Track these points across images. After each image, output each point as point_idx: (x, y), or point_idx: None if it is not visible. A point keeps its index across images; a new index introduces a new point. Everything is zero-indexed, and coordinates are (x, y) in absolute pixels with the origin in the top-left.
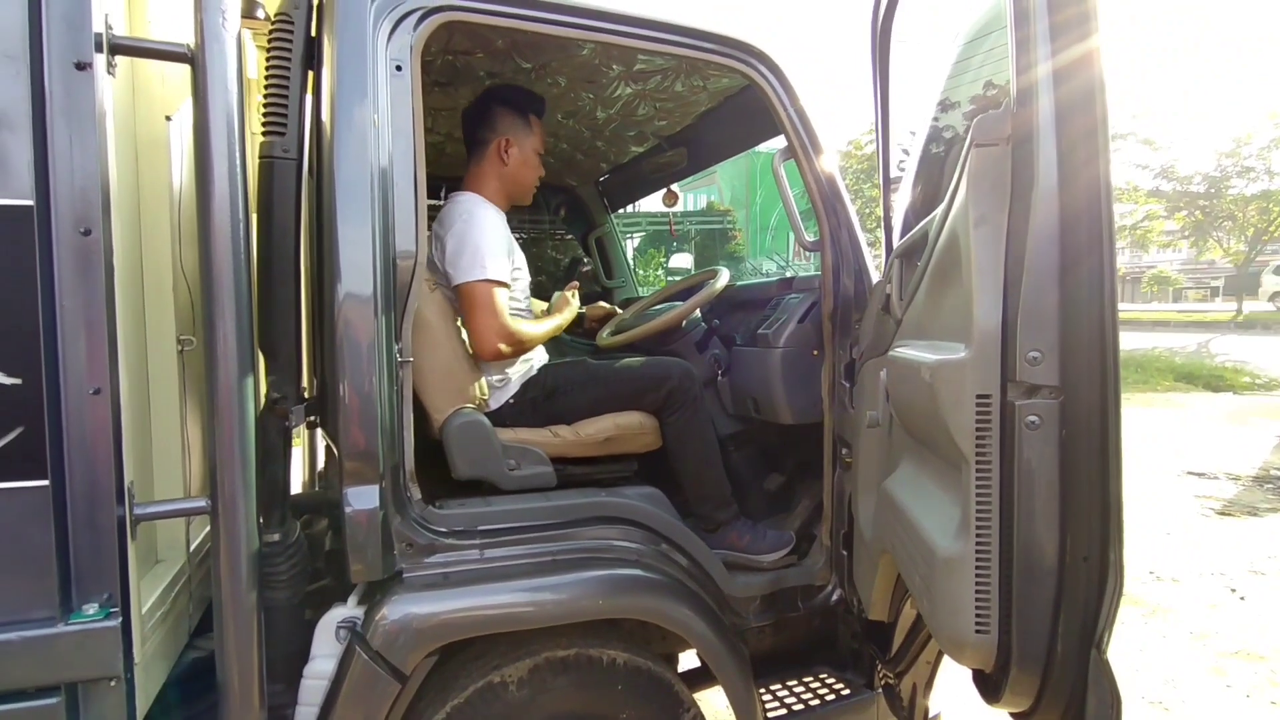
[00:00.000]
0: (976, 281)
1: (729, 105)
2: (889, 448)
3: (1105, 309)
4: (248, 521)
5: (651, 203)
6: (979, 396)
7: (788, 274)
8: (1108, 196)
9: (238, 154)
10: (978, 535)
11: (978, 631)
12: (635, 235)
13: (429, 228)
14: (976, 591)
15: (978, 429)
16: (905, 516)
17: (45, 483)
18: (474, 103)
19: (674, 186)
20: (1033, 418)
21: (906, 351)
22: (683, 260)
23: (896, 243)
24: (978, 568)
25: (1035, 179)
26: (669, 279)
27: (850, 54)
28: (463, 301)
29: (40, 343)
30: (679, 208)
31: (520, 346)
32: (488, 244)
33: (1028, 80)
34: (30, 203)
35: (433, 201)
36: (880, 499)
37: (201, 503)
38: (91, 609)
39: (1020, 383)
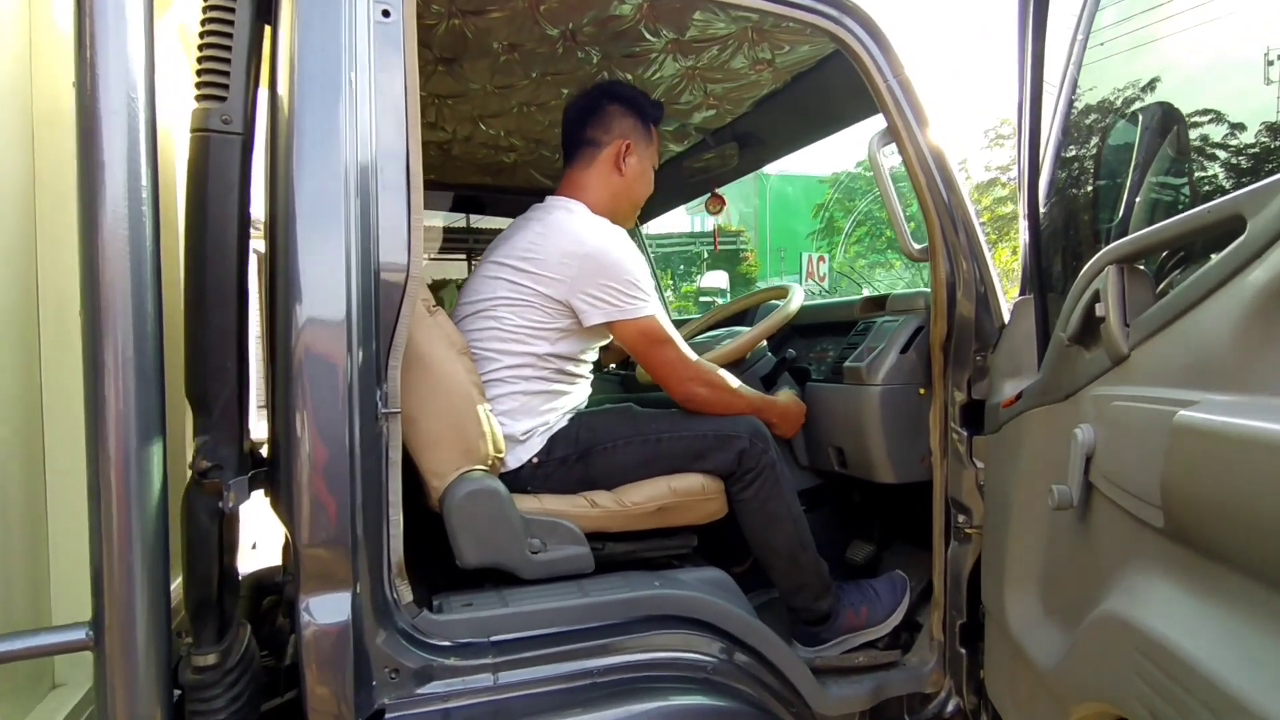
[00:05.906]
0: None
1: (797, 87)
2: (1090, 542)
3: None
4: (153, 656)
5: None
6: None
7: (865, 290)
8: None
9: (142, 104)
10: None
11: None
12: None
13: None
14: None
15: None
16: (1236, 701)
17: None
18: (580, 98)
19: (719, 191)
20: None
21: (1224, 416)
22: (717, 280)
23: (1047, 249)
24: None
25: None
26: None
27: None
28: (635, 341)
29: None
30: (688, 227)
31: (720, 395)
32: (641, 269)
33: None
34: None
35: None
36: (1112, 632)
37: (80, 634)
38: None
39: None
